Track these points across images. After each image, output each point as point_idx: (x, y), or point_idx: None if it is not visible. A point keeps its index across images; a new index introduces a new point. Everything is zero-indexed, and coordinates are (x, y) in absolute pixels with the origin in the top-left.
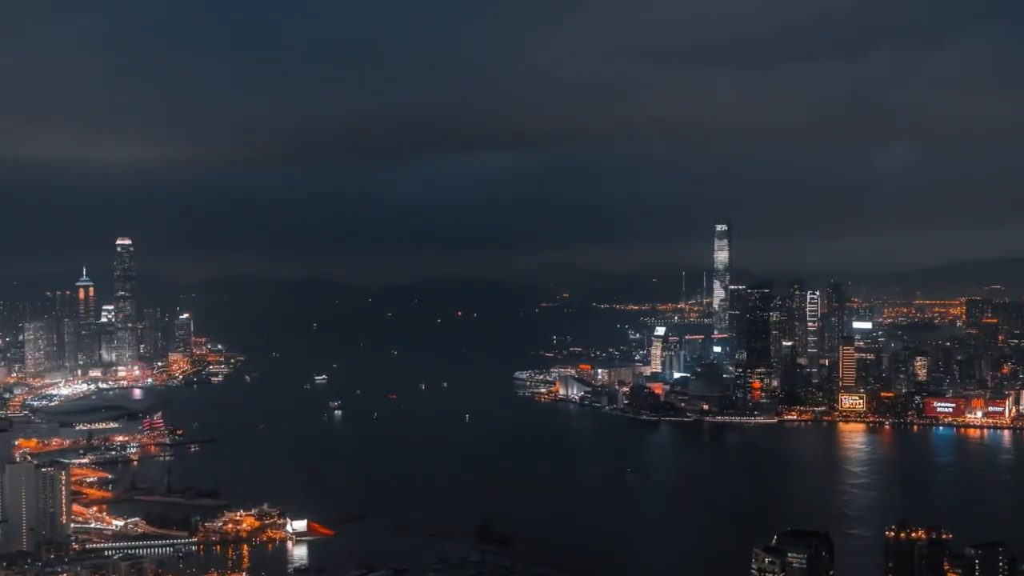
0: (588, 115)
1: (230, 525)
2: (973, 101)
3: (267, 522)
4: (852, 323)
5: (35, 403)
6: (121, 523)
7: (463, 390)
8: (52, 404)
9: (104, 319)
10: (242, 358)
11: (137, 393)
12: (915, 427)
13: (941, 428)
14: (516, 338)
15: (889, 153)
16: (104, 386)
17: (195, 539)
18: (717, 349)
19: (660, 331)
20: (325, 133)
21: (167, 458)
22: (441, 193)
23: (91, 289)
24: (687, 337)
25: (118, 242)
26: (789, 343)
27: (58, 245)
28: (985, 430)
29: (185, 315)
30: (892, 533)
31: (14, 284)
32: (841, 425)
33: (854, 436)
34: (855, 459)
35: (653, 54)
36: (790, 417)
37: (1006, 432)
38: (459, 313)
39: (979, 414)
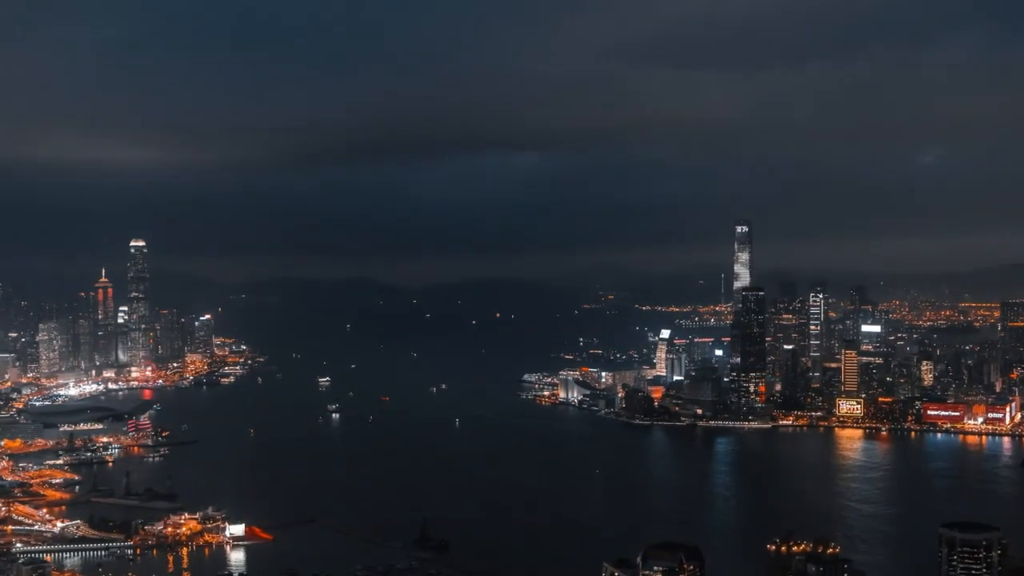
0: (604, 115)
1: (170, 528)
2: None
3: (209, 525)
4: (861, 326)
5: (36, 403)
6: (63, 525)
7: (468, 392)
8: (57, 403)
9: (120, 320)
10: (261, 359)
11: (147, 394)
12: (912, 433)
13: (939, 435)
14: (546, 340)
15: (926, 153)
16: (114, 387)
17: (131, 543)
18: (719, 352)
19: (665, 334)
20: (348, 133)
21: (155, 459)
22: (478, 193)
23: (109, 290)
24: (696, 340)
25: (132, 243)
26: (791, 346)
27: (84, 246)
28: (984, 437)
29: (206, 316)
30: (774, 547)
31: (66, 285)
32: (837, 431)
33: (846, 442)
34: (835, 465)
35: (671, 54)
36: (785, 422)
37: (1006, 439)
38: (496, 315)
39: (979, 420)
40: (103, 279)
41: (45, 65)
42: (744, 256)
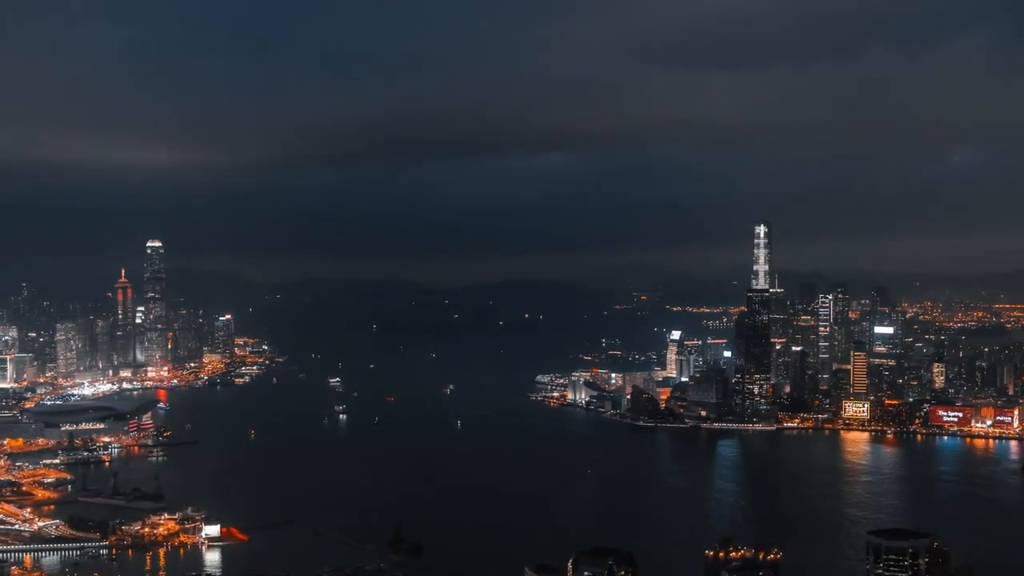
0: (622, 116)
1: (147, 529)
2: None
3: (187, 526)
4: (874, 328)
5: (48, 402)
6: (42, 524)
7: (478, 393)
8: (69, 403)
9: (138, 320)
10: (280, 359)
11: (162, 393)
12: (919, 436)
13: (946, 438)
14: (571, 340)
15: (959, 153)
16: (128, 386)
17: (106, 543)
18: (727, 354)
19: (676, 335)
20: (372, 135)
21: (158, 459)
22: (505, 194)
23: (129, 290)
24: (710, 341)
25: (148, 244)
26: (799, 347)
27: (109, 247)
28: (992, 440)
29: (226, 316)
30: (711, 553)
31: (90, 285)
32: (843, 434)
33: (849, 445)
34: (830, 468)
35: (683, 55)
36: (790, 424)
37: (1013, 443)
38: (526, 315)
39: (988, 423)
40: (123, 279)
41: (67, 68)
42: (763, 257)
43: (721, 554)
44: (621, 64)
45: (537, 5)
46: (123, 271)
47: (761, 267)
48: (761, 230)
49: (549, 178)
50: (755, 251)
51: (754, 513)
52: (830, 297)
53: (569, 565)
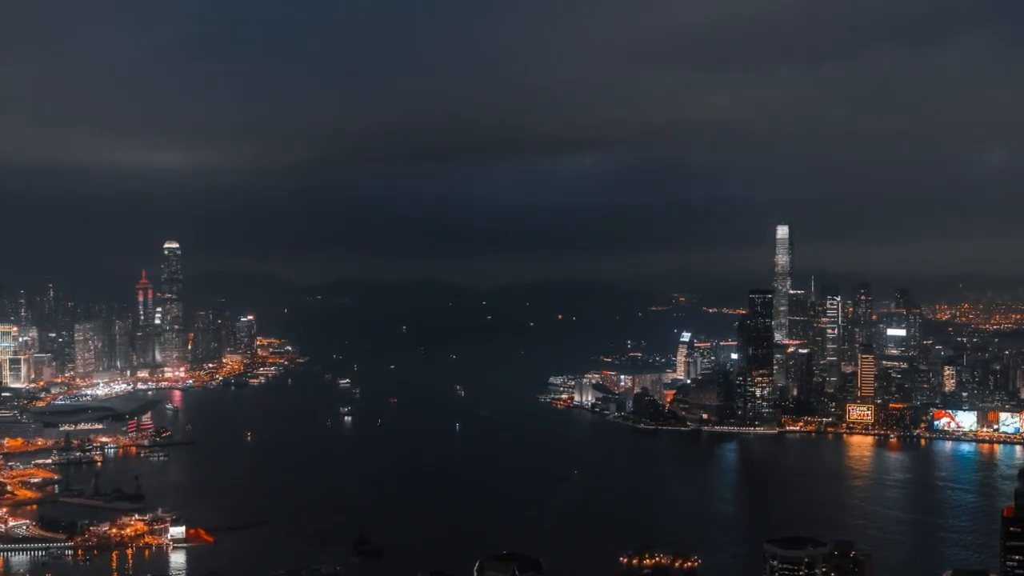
0: (654, 116)
1: (114, 529)
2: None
3: (155, 527)
4: (886, 331)
5: (60, 402)
6: (12, 524)
7: (487, 395)
8: (74, 403)
9: (157, 321)
10: (302, 360)
11: (176, 394)
12: (923, 441)
13: (951, 442)
14: (598, 342)
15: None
16: (143, 386)
17: (72, 543)
18: (734, 356)
19: (685, 336)
20: (401, 136)
21: (159, 459)
22: (538, 195)
23: (149, 291)
24: (721, 343)
25: (165, 246)
26: (805, 350)
27: (139, 248)
28: (996, 444)
29: (249, 316)
30: (625, 559)
31: (117, 286)
32: (846, 438)
33: (848, 449)
34: (822, 473)
35: (693, 58)
36: (793, 428)
37: (1019, 448)
38: (559, 316)
39: (994, 427)
40: (143, 280)
41: (90, 72)
42: (785, 257)
43: (635, 561)
44: (644, 65)
45: (560, 8)
46: (143, 272)
47: (782, 267)
48: (782, 231)
49: (587, 178)
50: (776, 251)
51: (722, 518)
52: (838, 298)
53: (475, 571)
